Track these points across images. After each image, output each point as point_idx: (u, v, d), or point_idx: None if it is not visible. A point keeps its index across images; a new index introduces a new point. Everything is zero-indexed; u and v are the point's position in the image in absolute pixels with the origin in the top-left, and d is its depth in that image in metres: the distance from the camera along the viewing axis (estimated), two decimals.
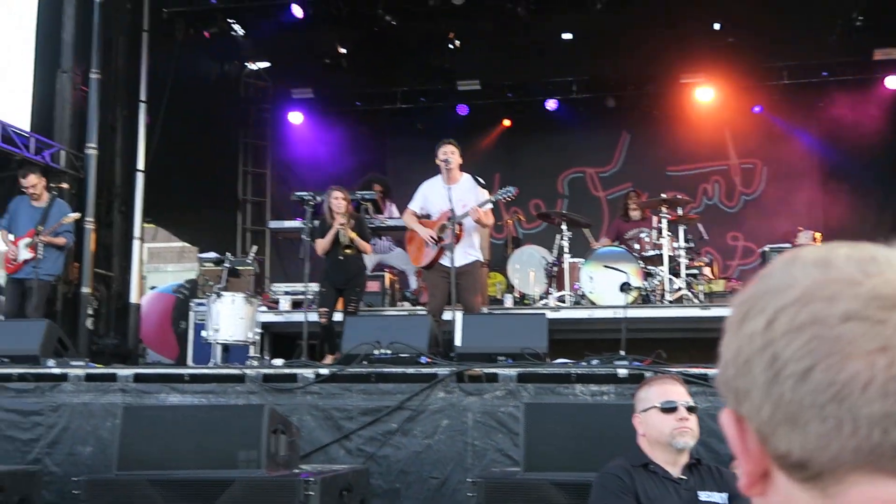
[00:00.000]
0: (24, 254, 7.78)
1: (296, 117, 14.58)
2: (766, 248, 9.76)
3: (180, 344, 9.85)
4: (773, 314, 0.75)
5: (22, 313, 7.83)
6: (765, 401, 0.74)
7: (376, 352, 6.04)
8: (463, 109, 14.18)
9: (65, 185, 8.16)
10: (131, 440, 4.76)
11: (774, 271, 0.78)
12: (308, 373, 5.92)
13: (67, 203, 8.40)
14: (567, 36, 13.31)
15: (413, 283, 10.11)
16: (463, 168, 7.56)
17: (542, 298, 9.32)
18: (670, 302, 8.61)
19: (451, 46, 13.45)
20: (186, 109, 12.46)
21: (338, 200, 7.76)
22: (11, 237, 7.94)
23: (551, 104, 14.07)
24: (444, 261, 7.30)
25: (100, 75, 10.85)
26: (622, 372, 5.43)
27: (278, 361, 6.85)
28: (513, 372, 5.55)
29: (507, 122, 14.39)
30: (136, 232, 11.06)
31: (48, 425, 5.99)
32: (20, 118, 10.71)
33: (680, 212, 9.11)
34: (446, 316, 7.15)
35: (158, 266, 17.49)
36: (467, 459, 5.50)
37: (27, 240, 7.73)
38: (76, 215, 8.13)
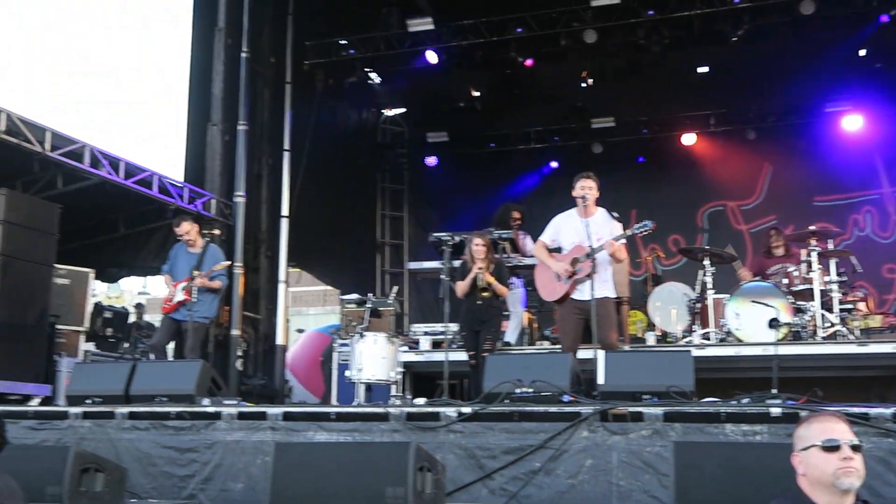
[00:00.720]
0: (179, 296, 8.18)
1: (431, 160, 14.85)
2: None
3: (327, 383, 10.09)
4: None
5: (178, 351, 8.21)
6: None
7: (518, 390, 5.99)
8: (597, 147, 14.12)
9: (216, 232, 8.54)
10: (283, 476, 4.87)
11: None
12: (450, 411, 5.91)
13: (221, 250, 8.76)
14: (702, 69, 13.10)
15: (514, 325, 9.77)
16: (599, 204, 7.48)
17: (685, 336, 9.07)
18: (823, 338, 8.22)
19: (583, 85, 13.45)
20: (327, 156, 12.91)
21: (478, 247, 7.91)
22: (172, 281, 8.36)
23: (688, 138, 13.84)
24: (576, 295, 7.19)
25: (246, 126, 11.39)
26: (775, 411, 5.18)
27: (420, 400, 6.90)
28: (659, 411, 5.39)
29: (642, 158, 14.21)
30: (282, 276, 11.48)
31: (203, 462, 6.17)
32: (175, 170, 11.39)
33: (830, 244, 8.72)
34: (588, 354, 7.03)
35: (301, 309, 18.04)
36: (612, 500, 5.35)
37: (184, 284, 8.13)
38: (227, 263, 8.49)
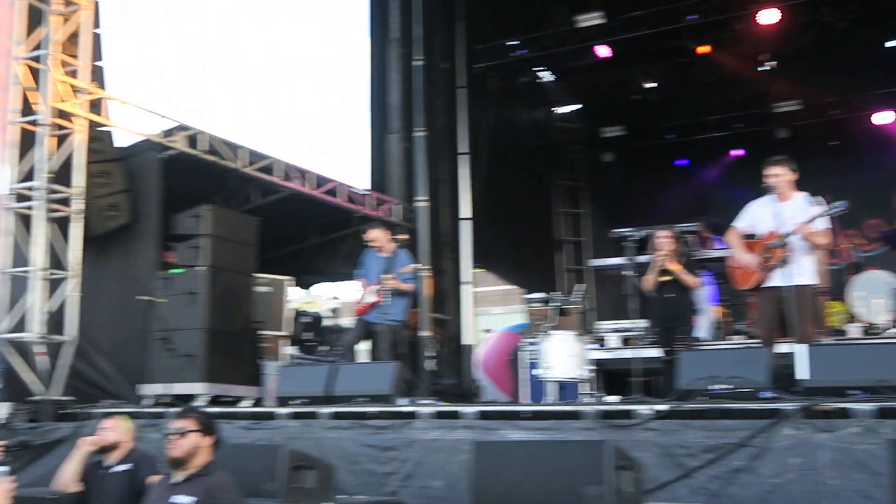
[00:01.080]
0: (371, 298, 8.47)
1: (608, 155, 14.71)
2: None
3: (516, 382, 10.20)
4: None
5: (373, 353, 8.52)
6: None
7: (714, 387, 5.86)
8: (783, 132, 13.58)
9: (405, 237, 8.81)
10: (482, 474, 4.97)
11: None
12: (644, 409, 5.86)
13: (409, 254, 9.01)
14: (893, 44, 12.32)
15: (705, 320, 9.42)
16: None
17: (894, 326, 8.55)
18: None
19: (764, 68, 12.94)
20: (503, 157, 13.06)
21: (660, 240, 7.78)
22: (365, 285, 8.66)
23: (883, 117, 13.07)
24: (771, 282, 6.91)
25: (424, 133, 11.69)
26: None
27: (613, 398, 6.86)
28: (872, 406, 5.12)
29: (833, 141, 13.52)
30: (466, 277, 11.70)
31: (402, 460, 6.35)
32: (361, 179, 11.89)
33: None
34: (785, 348, 6.76)
35: (485, 309, 18.25)
36: (822, 500, 5.14)
37: (375, 287, 8.42)
38: (413, 266, 8.72)
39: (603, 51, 12.52)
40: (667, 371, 7.53)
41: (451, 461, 6.15)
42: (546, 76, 13.62)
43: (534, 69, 13.49)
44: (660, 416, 5.76)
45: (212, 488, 4.21)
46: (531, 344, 9.28)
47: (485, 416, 6.33)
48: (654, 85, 13.57)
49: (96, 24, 8.65)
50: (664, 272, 7.73)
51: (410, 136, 11.80)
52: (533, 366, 8.68)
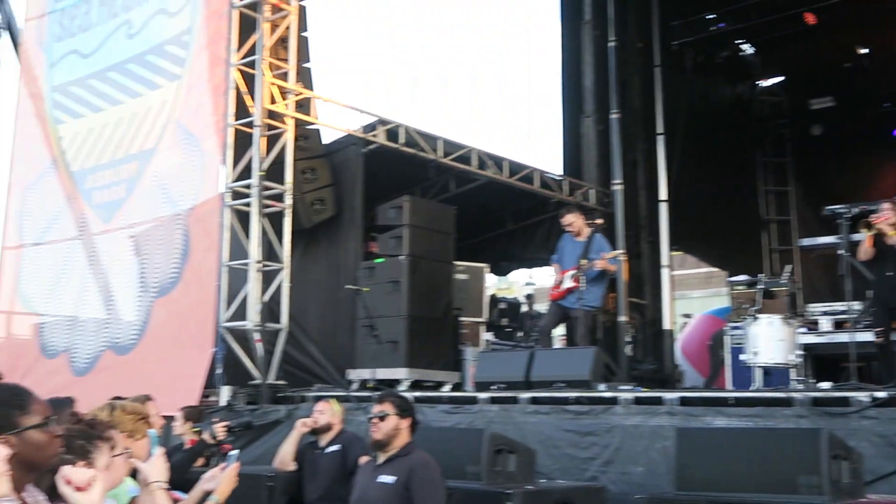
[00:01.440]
0: (567, 283, 8.44)
1: (816, 128, 13.87)
2: None
3: (714, 366, 9.89)
4: None
5: (569, 338, 8.49)
6: None
7: None
8: None
9: (600, 221, 8.71)
10: (686, 461, 4.85)
11: None
12: (862, 396, 5.53)
13: (605, 238, 8.90)
14: None
15: None
16: None
17: None
18: None
19: None
20: (701, 136, 12.64)
21: (885, 211, 7.22)
22: (560, 270, 8.62)
23: None
24: None
25: (619, 114, 11.49)
26: None
27: (826, 384, 6.50)
28: None
29: None
30: (664, 260, 11.43)
31: (603, 445, 6.32)
32: (554, 163, 11.86)
33: None
34: None
35: (685, 293, 17.79)
36: None
37: (572, 272, 8.37)
38: (614, 252, 8.59)
39: (810, 18, 11.82)
40: (887, 356, 7.04)
41: (653, 447, 6.06)
42: (747, 49, 13.02)
43: (734, 42, 12.93)
44: (879, 403, 5.43)
45: (411, 467, 4.38)
46: (735, 328, 8.96)
47: (687, 402, 6.18)
48: (866, 51, 12.64)
49: (303, 28, 9.10)
50: (876, 232, 7.09)
51: (605, 118, 11.62)
52: (737, 351, 8.36)
